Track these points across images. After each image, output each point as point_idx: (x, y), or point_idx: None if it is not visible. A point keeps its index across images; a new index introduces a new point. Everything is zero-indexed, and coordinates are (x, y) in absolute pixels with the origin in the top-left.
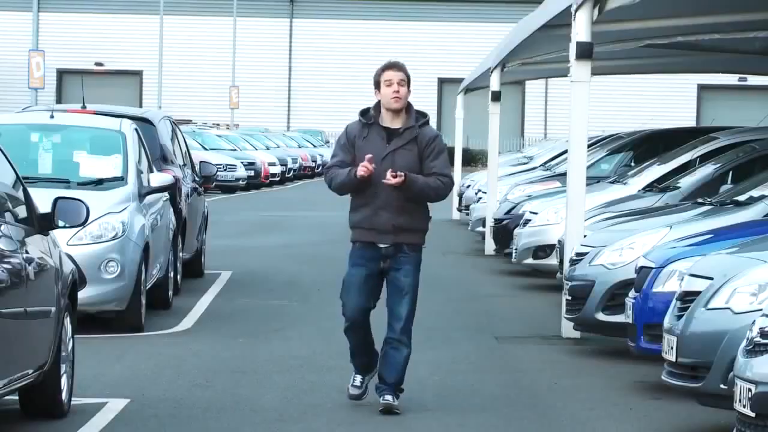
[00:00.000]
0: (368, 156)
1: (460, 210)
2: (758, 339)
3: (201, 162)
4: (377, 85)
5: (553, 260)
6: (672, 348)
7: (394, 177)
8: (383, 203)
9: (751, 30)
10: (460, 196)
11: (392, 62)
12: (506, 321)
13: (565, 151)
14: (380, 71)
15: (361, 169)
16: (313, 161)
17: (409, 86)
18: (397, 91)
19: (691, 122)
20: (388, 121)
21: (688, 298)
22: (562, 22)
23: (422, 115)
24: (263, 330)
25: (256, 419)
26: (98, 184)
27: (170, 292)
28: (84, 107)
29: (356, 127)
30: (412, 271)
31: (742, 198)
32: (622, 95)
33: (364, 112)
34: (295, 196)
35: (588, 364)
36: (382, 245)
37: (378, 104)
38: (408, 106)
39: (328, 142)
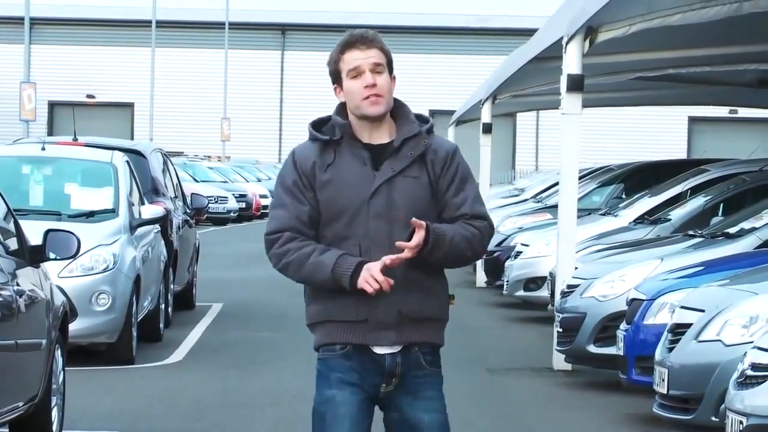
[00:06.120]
0: (389, 258)
1: None
2: (749, 371)
3: (192, 194)
4: (336, 76)
5: (544, 292)
6: (663, 380)
7: (412, 246)
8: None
9: (742, 63)
10: None
11: (356, 35)
12: (497, 353)
13: (556, 183)
14: (337, 54)
15: (368, 285)
16: None
17: (391, 71)
18: (373, 85)
19: (681, 154)
20: (365, 134)
21: (679, 330)
22: (553, 54)
23: (423, 120)
24: (255, 362)
25: None
26: (89, 216)
27: (161, 324)
28: (75, 139)
29: (312, 152)
30: (438, 401)
31: (732, 230)
32: (613, 127)
33: (319, 124)
34: None
35: (579, 396)
36: (384, 351)
37: (343, 108)
38: (398, 105)
39: None
